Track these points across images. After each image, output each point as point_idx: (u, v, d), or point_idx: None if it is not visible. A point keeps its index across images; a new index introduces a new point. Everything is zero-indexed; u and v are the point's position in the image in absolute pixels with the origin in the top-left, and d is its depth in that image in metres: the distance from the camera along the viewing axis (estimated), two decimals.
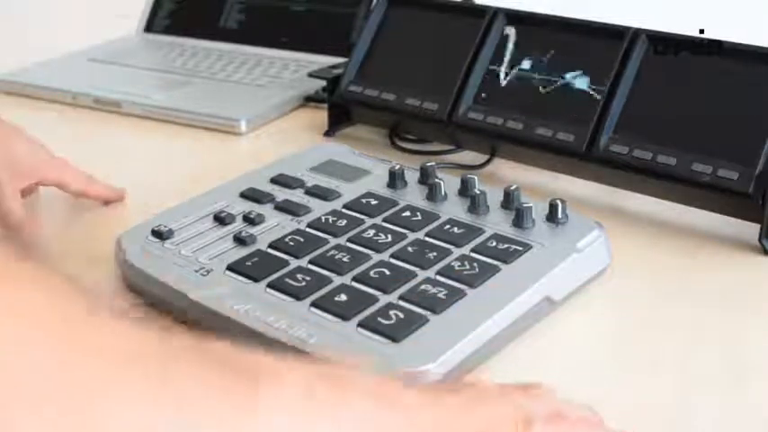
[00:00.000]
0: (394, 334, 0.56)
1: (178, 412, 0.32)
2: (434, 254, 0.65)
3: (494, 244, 0.65)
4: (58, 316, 0.32)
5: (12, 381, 0.29)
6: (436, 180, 0.72)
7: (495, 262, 0.63)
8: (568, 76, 0.83)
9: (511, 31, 0.88)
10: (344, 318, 0.58)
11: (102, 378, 0.31)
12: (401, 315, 0.58)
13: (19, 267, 0.33)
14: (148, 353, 0.33)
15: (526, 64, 0.86)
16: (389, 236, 0.67)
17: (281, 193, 0.75)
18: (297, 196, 0.74)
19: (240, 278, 0.64)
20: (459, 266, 0.63)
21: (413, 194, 0.73)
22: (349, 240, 0.67)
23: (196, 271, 0.65)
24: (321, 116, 1.00)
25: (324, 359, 0.40)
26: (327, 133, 0.98)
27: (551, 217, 0.67)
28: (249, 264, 0.65)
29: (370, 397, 0.38)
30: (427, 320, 0.58)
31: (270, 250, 0.67)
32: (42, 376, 0.29)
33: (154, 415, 0.31)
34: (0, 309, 0.30)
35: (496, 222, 0.68)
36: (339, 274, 0.63)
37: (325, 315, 0.59)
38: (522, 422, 0.40)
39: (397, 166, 0.75)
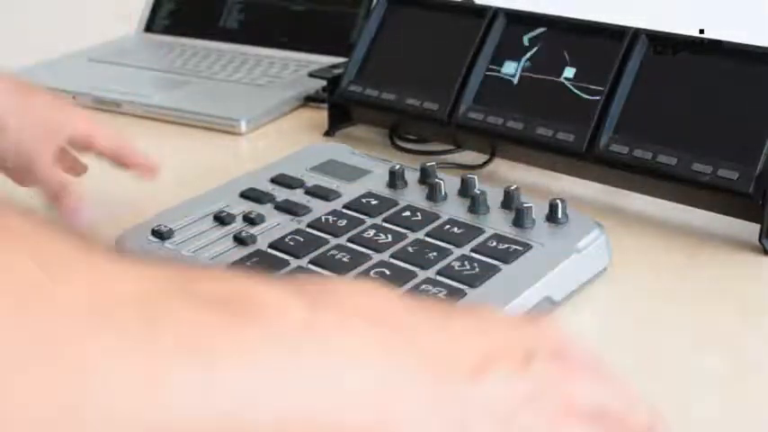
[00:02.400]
0: None
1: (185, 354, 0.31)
2: (434, 254, 0.65)
3: (494, 244, 0.65)
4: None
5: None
6: (436, 180, 0.72)
7: (496, 262, 0.63)
8: (568, 75, 0.83)
9: (511, 31, 0.88)
10: None
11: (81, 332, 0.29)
12: None
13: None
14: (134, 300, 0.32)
15: (526, 64, 0.86)
16: (389, 236, 0.67)
17: (281, 193, 0.75)
18: (297, 196, 0.74)
19: None
20: (459, 266, 0.63)
21: (413, 194, 0.73)
22: (349, 240, 0.67)
23: None
24: (321, 116, 1.00)
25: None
26: (327, 133, 0.98)
27: (551, 217, 0.67)
28: (249, 264, 0.65)
29: (369, 320, 0.37)
30: None
31: (270, 250, 0.67)
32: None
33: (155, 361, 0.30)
34: None
35: (496, 222, 0.68)
36: (339, 274, 0.63)
37: None
38: (523, 354, 0.39)
39: (397, 166, 0.75)
